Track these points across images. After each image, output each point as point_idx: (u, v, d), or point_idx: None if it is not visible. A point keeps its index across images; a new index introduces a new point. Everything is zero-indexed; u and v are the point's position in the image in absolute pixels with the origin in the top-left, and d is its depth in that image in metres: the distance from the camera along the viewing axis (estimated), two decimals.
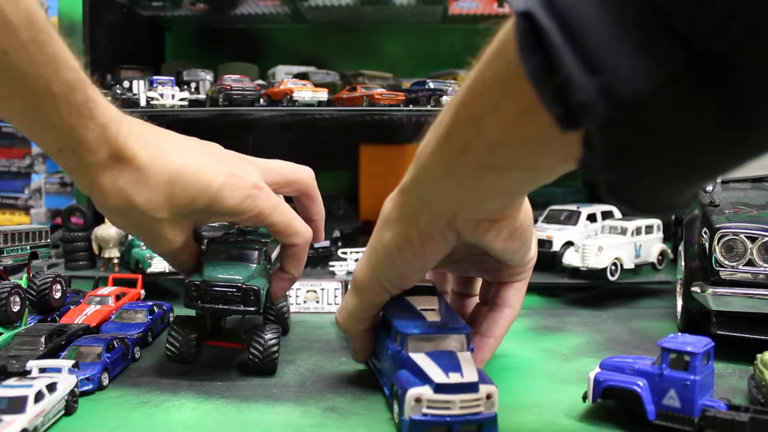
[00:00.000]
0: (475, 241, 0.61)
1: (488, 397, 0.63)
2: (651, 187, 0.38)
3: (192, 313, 0.85)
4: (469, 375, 0.64)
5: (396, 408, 0.66)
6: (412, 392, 0.63)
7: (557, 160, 0.46)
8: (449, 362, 0.65)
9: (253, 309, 0.79)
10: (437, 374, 0.64)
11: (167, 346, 0.82)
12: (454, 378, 0.63)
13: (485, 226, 0.59)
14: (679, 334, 0.69)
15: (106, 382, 0.79)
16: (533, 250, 0.72)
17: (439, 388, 0.62)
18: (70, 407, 0.70)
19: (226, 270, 0.81)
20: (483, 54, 0.45)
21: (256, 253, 0.85)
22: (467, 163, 0.51)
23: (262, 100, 1.35)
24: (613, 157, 0.36)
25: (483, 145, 0.48)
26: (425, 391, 0.63)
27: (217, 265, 0.82)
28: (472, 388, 0.63)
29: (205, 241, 0.87)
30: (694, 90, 0.32)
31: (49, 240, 1.18)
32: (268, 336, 0.82)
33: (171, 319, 1.07)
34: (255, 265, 0.84)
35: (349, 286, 0.74)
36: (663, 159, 0.36)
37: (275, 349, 0.82)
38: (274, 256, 0.95)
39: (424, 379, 0.64)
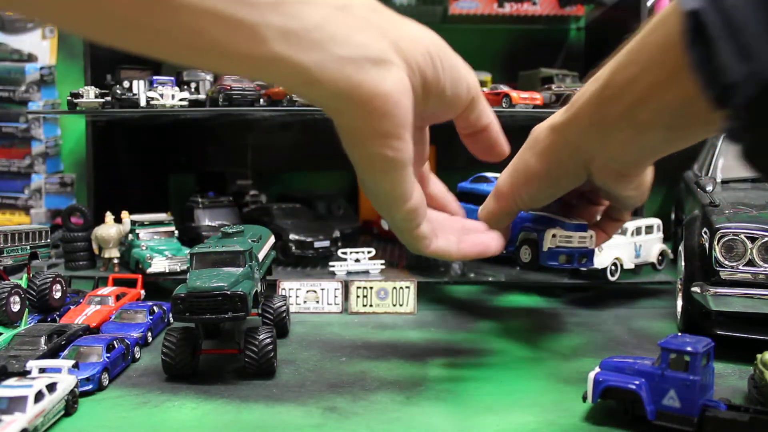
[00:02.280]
0: (603, 185, 0.70)
1: (591, 236, 0.89)
2: None
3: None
4: (579, 220, 0.89)
5: (526, 250, 0.93)
6: (550, 230, 0.89)
7: (693, 125, 0.55)
8: (557, 214, 0.90)
9: (241, 314, 0.79)
10: (563, 220, 0.89)
11: (163, 358, 0.81)
12: (573, 221, 0.89)
13: (615, 176, 0.68)
14: (679, 334, 0.69)
15: (106, 382, 0.79)
16: (645, 197, 0.81)
17: (567, 226, 0.88)
18: (70, 407, 0.70)
19: (210, 278, 0.80)
20: (647, 23, 0.54)
21: (240, 256, 0.85)
22: (614, 114, 0.57)
23: (262, 100, 1.35)
24: (756, 129, 0.43)
25: (631, 99, 0.56)
26: (558, 230, 0.88)
27: (200, 275, 0.82)
28: (584, 228, 0.89)
29: (187, 251, 0.86)
30: None
31: (49, 240, 1.18)
32: (262, 337, 0.82)
33: (170, 320, 1.07)
34: (240, 269, 0.84)
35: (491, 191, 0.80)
36: None
37: (270, 349, 0.81)
38: (262, 255, 0.95)
39: (554, 222, 0.89)
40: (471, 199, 1.06)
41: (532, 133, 0.71)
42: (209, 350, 0.86)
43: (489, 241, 0.71)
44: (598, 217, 0.91)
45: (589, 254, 0.92)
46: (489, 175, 1.11)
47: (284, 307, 0.99)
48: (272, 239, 1.07)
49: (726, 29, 0.42)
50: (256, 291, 0.86)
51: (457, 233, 0.68)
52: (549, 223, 0.90)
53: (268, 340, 0.82)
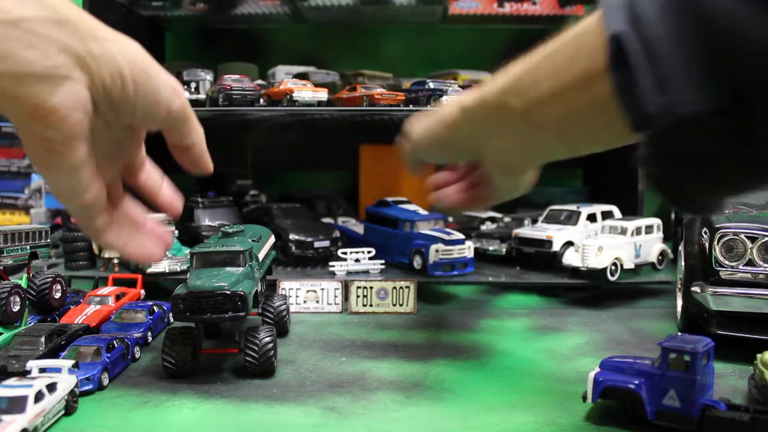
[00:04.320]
0: (489, 170, 0.74)
1: (469, 247, 1.22)
2: (686, 186, 0.48)
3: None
4: (458, 236, 1.22)
5: (417, 260, 1.22)
6: (434, 246, 1.19)
7: (588, 138, 0.58)
8: (443, 231, 1.25)
9: (242, 314, 0.79)
10: (444, 236, 1.21)
11: (163, 359, 0.81)
12: (452, 237, 1.21)
13: (501, 168, 0.72)
14: (679, 334, 0.69)
15: (106, 382, 0.79)
16: (519, 194, 0.83)
17: (446, 242, 1.20)
18: (70, 407, 0.70)
19: (211, 278, 0.80)
20: (568, 32, 0.55)
21: (240, 256, 0.85)
22: (514, 110, 0.59)
23: (262, 100, 1.35)
24: (665, 159, 0.46)
25: (534, 97, 0.57)
26: (440, 246, 1.19)
27: (201, 274, 0.82)
28: (462, 242, 1.22)
29: (187, 251, 0.86)
30: (732, 122, 0.42)
31: (49, 240, 1.18)
32: (262, 336, 0.82)
33: (170, 319, 1.07)
34: (240, 269, 0.84)
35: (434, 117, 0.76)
36: (700, 167, 0.46)
37: (270, 347, 0.81)
38: (261, 255, 0.95)
39: (435, 240, 1.20)
40: (376, 221, 1.39)
41: (445, 107, 0.73)
42: (209, 350, 0.86)
43: (152, 248, 0.63)
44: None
45: (468, 261, 1.21)
46: (389, 199, 1.42)
47: (284, 306, 0.99)
48: (272, 239, 1.07)
49: (647, 58, 0.43)
50: (257, 291, 0.86)
51: (140, 232, 0.63)
52: (432, 240, 1.20)
53: (268, 340, 0.82)
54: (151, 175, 0.67)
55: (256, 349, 0.81)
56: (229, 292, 0.78)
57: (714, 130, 0.43)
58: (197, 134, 0.62)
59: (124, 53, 0.52)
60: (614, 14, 0.45)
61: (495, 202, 0.85)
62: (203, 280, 0.80)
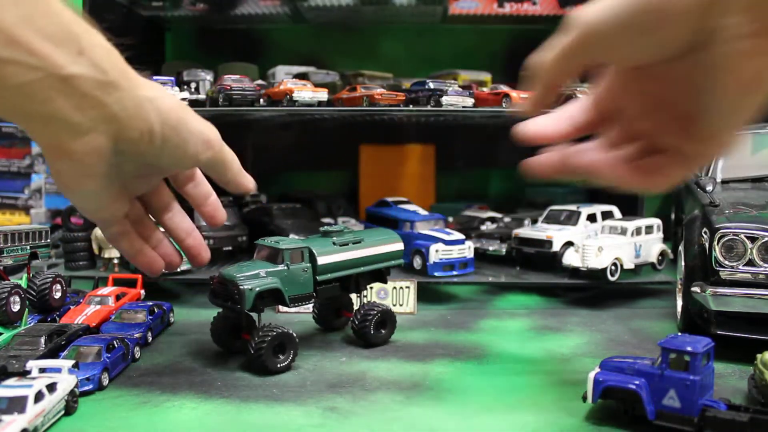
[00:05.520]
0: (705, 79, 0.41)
1: (469, 247, 1.24)
2: None
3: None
4: (458, 236, 1.23)
5: (418, 260, 1.23)
6: (434, 246, 1.20)
7: None
8: (443, 231, 1.26)
9: (237, 307, 0.86)
10: (444, 236, 1.22)
11: (211, 329, 0.93)
12: (452, 237, 1.22)
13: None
14: (679, 334, 0.69)
15: (106, 382, 0.79)
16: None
17: (446, 242, 1.21)
18: (70, 407, 0.70)
19: (237, 269, 0.89)
20: None
21: (279, 254, 0.92)
22: None
23: (262, 100, 1.35)
24: None
25: None
26: (439, 245, 1.20)
27: (241, 265, 0.91)
28: (462, 242, 1.23)
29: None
30: None
31: (49, 240, 1.18)
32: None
33: (171, 320, 1.07)
34: (276, 267, 0.91)
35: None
36: None
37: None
38: (335, 259, 0.99)
39: (435, 240, 1.21)
40: (376, 221, 1.40)
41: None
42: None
43: (157, 264, 0.70)
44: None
45: (468, 261, 1.23)
46: (389, 199, 1.45)
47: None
48: (387, 247, 1.04)
49: None
50: (278, 289, 0.88)
51: (152, 248, 0.72)
52: (432, 240, 1.22)
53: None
54: (199, 187, 0.71)
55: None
56: (235, 283, 0.85)
57: None
58: (231, 172, 0.66)
59: (159, 110, 0.58)
60: None
61: (695, 163, 0.48)
62: (231, 269, 0.88)
